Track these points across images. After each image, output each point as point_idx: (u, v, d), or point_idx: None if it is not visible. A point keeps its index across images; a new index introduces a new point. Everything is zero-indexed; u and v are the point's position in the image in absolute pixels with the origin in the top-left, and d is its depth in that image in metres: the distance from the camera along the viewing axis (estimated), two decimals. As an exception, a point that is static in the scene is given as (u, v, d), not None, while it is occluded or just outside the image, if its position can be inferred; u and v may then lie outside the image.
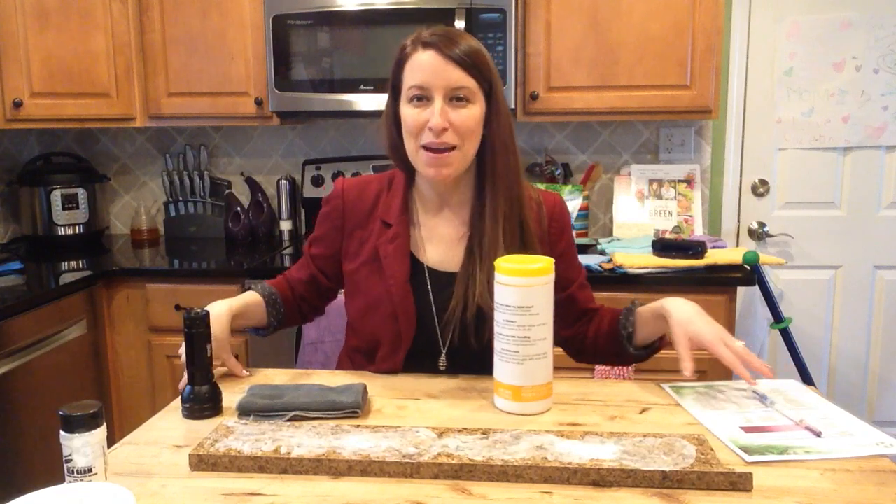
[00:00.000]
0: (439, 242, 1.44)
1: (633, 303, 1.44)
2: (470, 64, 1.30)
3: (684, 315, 1.30)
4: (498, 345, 1.21)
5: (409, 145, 1.36)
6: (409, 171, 1.45)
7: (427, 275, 1.42)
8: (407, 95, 1.33)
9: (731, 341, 1.26)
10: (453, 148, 1.32)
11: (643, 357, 1.42)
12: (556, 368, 1.26)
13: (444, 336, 1.41)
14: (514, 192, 1.39)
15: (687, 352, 1.27)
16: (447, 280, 1.41)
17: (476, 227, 1.39)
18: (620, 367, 1.98)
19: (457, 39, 1.31)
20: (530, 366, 1.19)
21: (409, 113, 1.33)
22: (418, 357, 1.41)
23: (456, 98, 1.31)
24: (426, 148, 1.32)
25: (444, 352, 1.42)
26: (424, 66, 1.30)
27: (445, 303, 1.38)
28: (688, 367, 1.25)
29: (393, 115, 1.39)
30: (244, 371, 1.40)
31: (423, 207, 1.46)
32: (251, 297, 1.47)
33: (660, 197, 2.72)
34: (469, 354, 1.39)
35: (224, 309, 1.38)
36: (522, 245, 1.38)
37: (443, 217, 1.45)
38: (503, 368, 1.21)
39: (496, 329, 1.21)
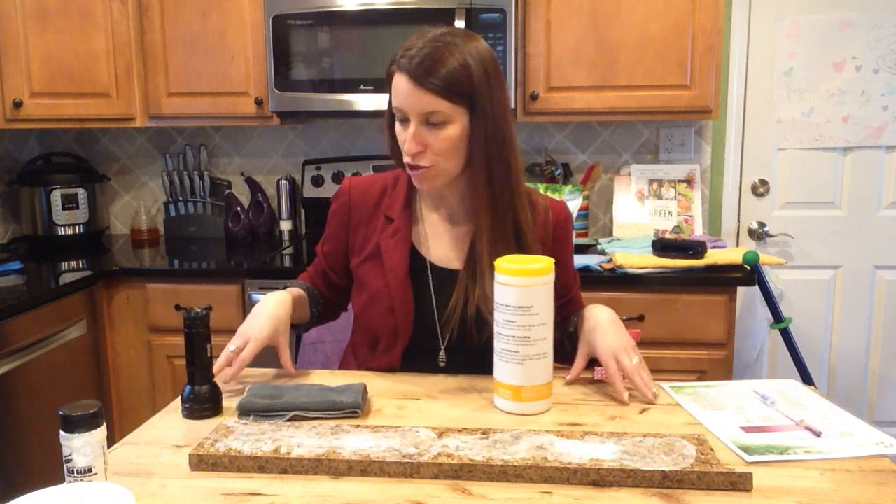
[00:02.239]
0: (442, 239, 1.45)
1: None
2: (443, 89, 1.26)
3: (592, 323, 1.34)
4: (498, 345, 1.21)
5: (398, 159, 1.39)
6: None
7: (429, 270, 1.43)
8: (393, 112, 1.35)
9: (627, 357, 1.28)
10: (431, 166, 1.33)
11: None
12: (557, 368, 1.26)
13: (444, 333, 1.41)
14: (509, 195, 1.36)
15: (581, 361, 1.34)
16: (449, 277, 1.41)
17: (477, 229, 1.39)
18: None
19: (433, 64, 1.26)
20: (530, 366, 1.19)
21: (396, 130, 1.35)
22: (418, 353, 1.42)
23: (431, 122, 1.30)
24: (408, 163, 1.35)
25: (443, 348, 1.42)
26: (399, 91, 1.30)
27: (446, 299, 1.39)
28: (571, 375, 1.34)
29: (391, 120, 1.40)
30: (293, 368, 1.40)
31: (428, 204, 1.47)
32: (297, 291, 1.48)
33: (660, 197, 2.72)
34: (468, 352, 1.39)
35: (286, 295, 1.42)
36: (519, 249, 1.37)
37: (446, 215, 1.45)
38: (503, 368, 1.21)
39: (496, 329, 1.21)
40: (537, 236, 1.41)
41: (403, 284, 1.40)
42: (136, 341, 2.47)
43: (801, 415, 1.18)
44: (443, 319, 1.40)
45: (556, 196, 2.45)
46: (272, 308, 1.38)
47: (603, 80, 2.48)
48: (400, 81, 1.29)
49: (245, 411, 1.17)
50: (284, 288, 1.49)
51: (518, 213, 1.37)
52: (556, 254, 1.43)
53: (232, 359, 1.31)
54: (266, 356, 1.34)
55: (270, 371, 1.43)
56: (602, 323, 1.33)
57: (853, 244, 2.84)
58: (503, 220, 1.36)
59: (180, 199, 3.00)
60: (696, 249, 2.29)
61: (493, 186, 1.34)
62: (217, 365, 1.30)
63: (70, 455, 0.91)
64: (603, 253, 2.46)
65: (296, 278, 1.59)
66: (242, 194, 2.97)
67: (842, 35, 2.73)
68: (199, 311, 1.21)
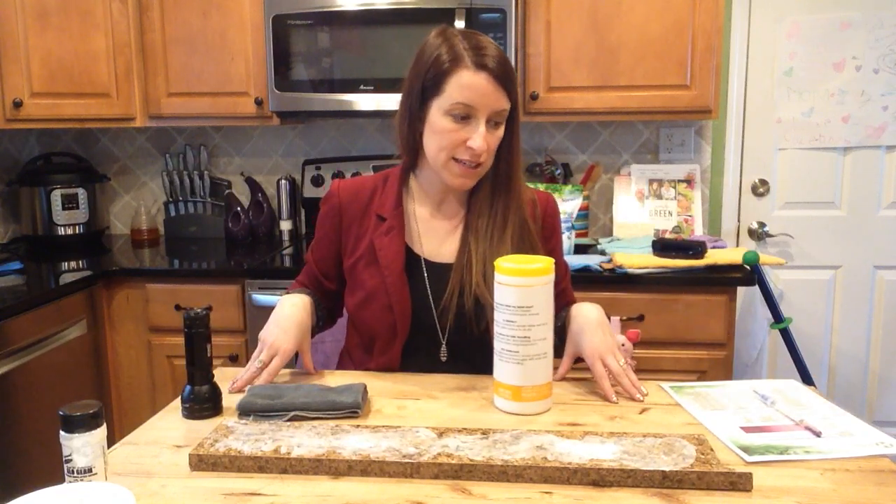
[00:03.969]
0: (435, 234, 1.46)
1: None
2: (512, 90, 1.34)
3: (578, 325, 1.34)
4: (498, 345, 1.21)
5: (439, 155, 1.36)
6: (413, 163, 1.46)
7: (424, 266, 1.44)
8: (449, 108, 1.32)
9: (613, 359, 1.29)
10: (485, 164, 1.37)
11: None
12: (557, 369, 1.26)
13: (443, 325, 1.42)
14: (517, 192, 1.42)
15: (567, 361, 1.36)
16: (443, 270, 1.42)
17: (471, 220, 1.42)
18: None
19: (509, 66, 1.34)
20: (530, 366, 1.19)
21: (447, 126, 1.33)
22: (418, 349, 1.43)
23: (494, 121, 1.34)
24: (456, 160, 1.35)
25: (444, 342, 1.43)
26: (478, 88, 1.30)
27: (442, 293, 1.40)
28: (558, 375, 1.35)
29: (418, 111, 1.37)
30: (314, 369, 1.41)
31: (420, 200, 1.48)
32: (307, 297, 1.47)
33: (660, 197, 2.72)
34: (469, 343, 1.40)
35: (306, 299, 1.43)
36: (521, 242, 1.40)
37: (438, 209, 1.47)
38: (503, 368, 1.21)
39: (496, 329, 1.22)
40: (534, 230, 1.44)
41: (400, 281, 1.41)
42: (136, 341, 2.47)
43: (801, 415, 1.18)
44: (439, 311, 1.41)
45: (556, 196, 2.45)
46: (296, 314, 1.38)
47: (603, 80, 2.48)
48: (479, 79, 1.30)
49: (245, 411, 1.17)
50: (287, 294, 1.48)
51: (523, 206, 1.42)
52: (546, 243, 1.47)
53: (259, 371, 1.31)
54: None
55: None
56: (590, 323, 1.32)
57: (853, 244, 2.84)
58: (517, 215, 1.41)
59: (180, 199, 3.00)
60: (696, 249, 2.29)
61: (514, 177, 1.41)
62: (241, 381, 1.31)
63: (70, 455, 0.91)
64: (603, 253, 2.46)
65: (290, 284, 1.59)
66: (242, 194, 2.97)
67: (842, 35, 2.73)
68: (199, 311, 1.21)
